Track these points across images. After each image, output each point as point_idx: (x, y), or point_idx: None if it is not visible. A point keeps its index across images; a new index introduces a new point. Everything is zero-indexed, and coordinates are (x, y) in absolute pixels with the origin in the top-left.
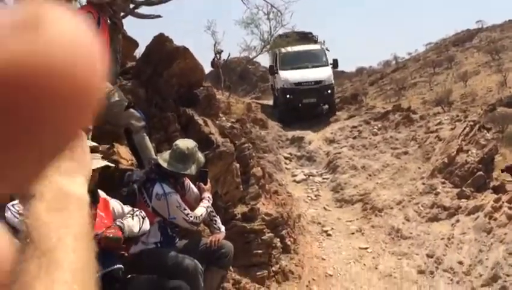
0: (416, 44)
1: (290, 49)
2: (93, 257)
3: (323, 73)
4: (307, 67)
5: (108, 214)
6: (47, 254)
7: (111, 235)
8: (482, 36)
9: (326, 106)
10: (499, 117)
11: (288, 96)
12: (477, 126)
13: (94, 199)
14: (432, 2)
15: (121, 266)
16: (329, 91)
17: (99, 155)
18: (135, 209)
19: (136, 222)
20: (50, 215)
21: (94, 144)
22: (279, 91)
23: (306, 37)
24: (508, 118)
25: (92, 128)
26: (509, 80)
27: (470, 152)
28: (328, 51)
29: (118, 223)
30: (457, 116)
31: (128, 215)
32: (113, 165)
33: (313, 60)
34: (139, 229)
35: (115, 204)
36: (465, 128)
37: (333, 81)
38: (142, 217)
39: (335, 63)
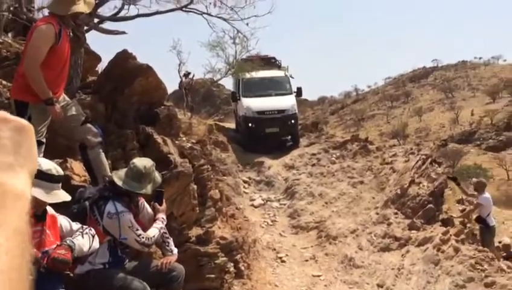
0: (376, 77)
1: (253, 75)
2: (27, 257)
3: (286, 102)
4: (270, 95)
5: (55, 231)
6: None
7: (60, 258)
8: (437, 74)
9: (289, 138)
10: (450, 153)
11: (250, 125)
12: (429, 160)
13: (41, 216)
14: (392, 38)
15: None
16: (292, 121)
17: (59, 185)
18: (84, 226)
19: (86, 241)
20: None
21: (60, 172)
22: (241, 119)
23: (269, 62)
24: (458, 154)
25: (45, 141)
26: (460, 117)
27: (421, 185)
28: (293, 78)
29: (68, 242)
30: (411, 149)
31: (78, 233)
32: (70, 198)
33: (277, 87)
34: (89, 248)
35: (63, 221)
36: (417, 161)
37: (297, 111)
38: (91, 235)
39: (299, 92)
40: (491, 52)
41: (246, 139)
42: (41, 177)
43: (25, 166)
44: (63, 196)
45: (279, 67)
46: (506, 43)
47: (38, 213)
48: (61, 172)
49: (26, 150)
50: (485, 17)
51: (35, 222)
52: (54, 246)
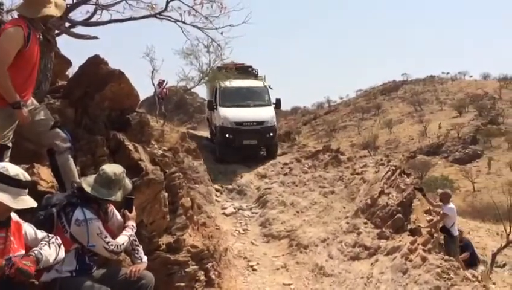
0: (347, 89)
1: (230, 84)
2: None
3: (266, 113)
4: (248, 105)
5: (20, 239)
6: None
7: (23, 269)
8: (407, 88)
9: (264, 149)
10: (418, 164)
11: (227, 135)
12: (398, 171)
13: (5, 221)
14: (364, 51)
15: None
16: (271, 134)
17: (26, 191)
18: (50, 235)
19: (52, 251)
20: None
21: (28, 177)
22: (217, 129)
23: (246, 71)
24: (426, 165)
25: (11, 146)
26: (429, 130)
27: (390, 195)
28: (271, 88)
29: (36, 253)
30: (381, 160)
31: (44, 242)
32: (36, 204)
33: (256, 98)
34: (55, 259)
35: (28, 228)
36: (387, 172)
37: (276, 123)
38: (58, 245)
39: (278, 103)
40: (458, 68)
41: (222, 150)
42: (8, 182)
43: None
44: (29, 202)
45: (255, 76)
46: (472, 60)
47: (2, 219)
48: (29, 178)
49: None
50: (452, 35)
51: None
52: (19, 253)
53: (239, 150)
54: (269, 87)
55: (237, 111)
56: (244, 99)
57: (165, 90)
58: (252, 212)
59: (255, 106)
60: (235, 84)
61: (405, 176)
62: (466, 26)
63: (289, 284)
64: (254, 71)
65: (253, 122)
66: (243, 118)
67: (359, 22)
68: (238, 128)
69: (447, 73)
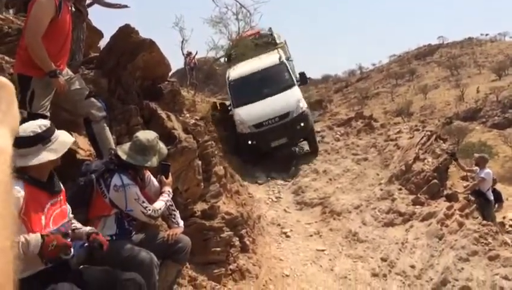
0: (380, 55)
1: (239, 71)
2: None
3: (289, 100)
4: (266, 96)
5: (66, 207)
6: None
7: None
8: (443, 52)
9: (304, 143)
10: (455, 130)
11: (250, 142)
12: (434, 136)
13: (59, 187)
14: (397, 15)
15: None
16: (302, 124)
17: (54, 136)
18: (71, 215)
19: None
20: None
21: (47, 124)
22: (239, 136)
23: (265, 41)
24: (463, 131)
25: (49, 115)
26: (466, 95)
27: (426, 161)
28: (291, 60)
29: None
30: (416, 126)
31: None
32: (73, 139)
33: (273, 81)
34: None
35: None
36: (422, 137)
37: (305, 108)
38: None
39: (303, 78)
40: (498, 29)
41: (252, 158)
42: (33, 143)
43: (5, 122)
44: (65, 138)
45: (274, 44)
46: None
47: (44, 180)
48: (47, 124)
49: (6, 107)
50: None
51: (50, 195)
52: (65, 221)
53: (270, 154)
54: (288, 59)
55: (253, 109)
56: (258, 88)
57: (194, 60)
58: (285, 181)
59: (273, 93)
60: (245, 70)
61: (441, 142)
62: None
63: (323, 250)
64: (272, 38)
65: (274, 118)
66: (261, 116)
67: None
68: (259, 131)
69: (486, 34)
